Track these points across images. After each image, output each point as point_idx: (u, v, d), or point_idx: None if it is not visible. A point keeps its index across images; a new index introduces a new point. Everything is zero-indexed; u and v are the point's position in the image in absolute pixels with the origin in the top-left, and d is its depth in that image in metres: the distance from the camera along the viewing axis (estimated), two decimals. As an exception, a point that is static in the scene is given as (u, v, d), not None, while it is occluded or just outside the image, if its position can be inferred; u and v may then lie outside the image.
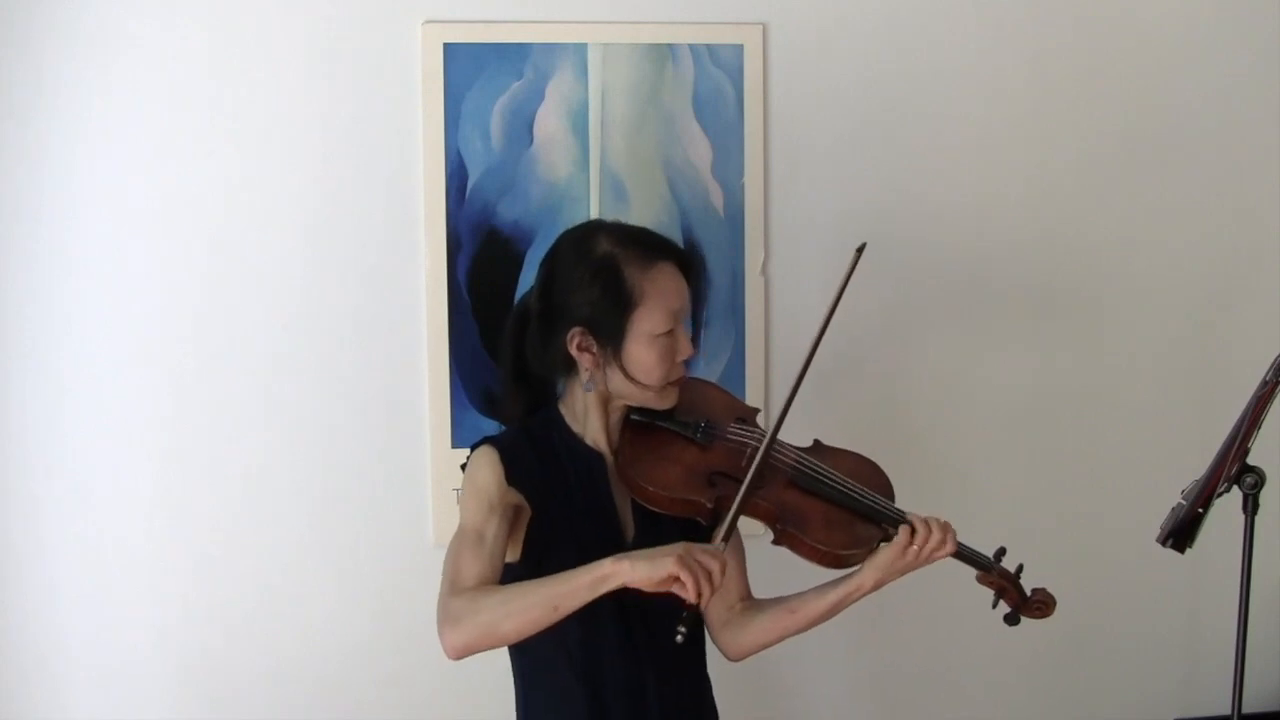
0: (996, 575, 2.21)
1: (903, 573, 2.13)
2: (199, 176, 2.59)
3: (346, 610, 2.70)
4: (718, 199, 2.73)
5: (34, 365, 2.58)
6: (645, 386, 2.10)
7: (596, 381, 2.11)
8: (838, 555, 2.12)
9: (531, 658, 2.17)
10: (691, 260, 2.17)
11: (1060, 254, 2.88)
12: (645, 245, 2.12)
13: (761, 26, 2.72)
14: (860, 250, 2.17)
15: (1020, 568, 2.23)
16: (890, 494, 2.22)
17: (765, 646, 2.24)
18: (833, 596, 2.15)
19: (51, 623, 2.62)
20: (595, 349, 2.09)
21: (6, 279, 2.56)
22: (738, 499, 2.04)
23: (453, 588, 2.00)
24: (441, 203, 2.64)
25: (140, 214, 2.59)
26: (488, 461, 2.10)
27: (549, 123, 2.67)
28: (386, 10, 2.61)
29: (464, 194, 2.65)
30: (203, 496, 2.64)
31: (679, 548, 1.91)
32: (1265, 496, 2.28)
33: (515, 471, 2.09)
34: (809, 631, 2.21)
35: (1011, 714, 2.95)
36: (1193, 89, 2.89)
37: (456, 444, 2.65)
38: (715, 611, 2.24)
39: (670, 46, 2.69)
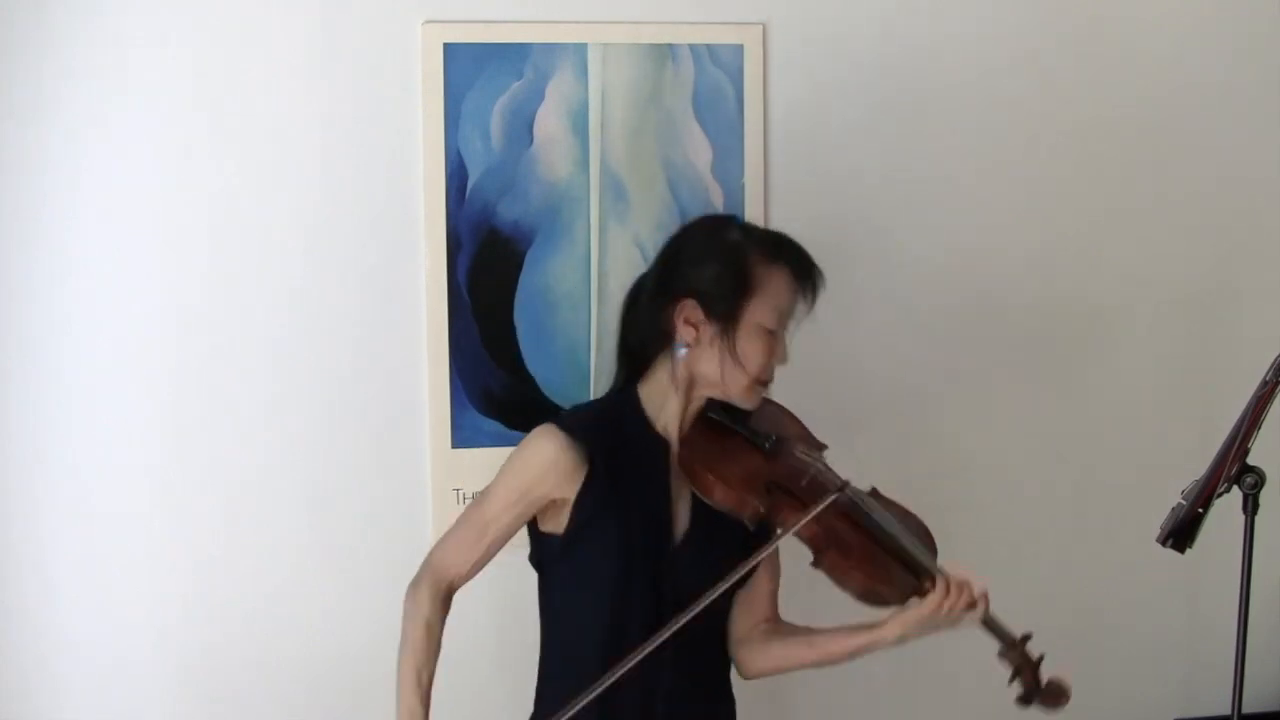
0: (1017, 655, 2.22)
1: (928, 631, 2.11)
2: (199, 177, 2.59)
3: (346, 610, 2.69)
4: (718, 199, 2.73)
5: (33, 365, 2.57)
6: (742, 374, 2.10)
7: (690, 351, 2.11)
8: (872, 588, 2.11)
9: (561, 625, 2.20)
10: (811, 270, 2.16)
11: (1061, 254, 2.88)
12: (773, 244, 2.16)
13: (761, 26, 2.72)
14: None
15: (1041, 657, 2.23)
16: (934, 552, 2.22)
17: (778, 672, 2.25)
18: (852, 643, 2.15)
19: (51, 623, 2.62)
20: (703, 323, 2.10)
21: (6, 278, 2.56)
22: (817, 509, 2.06)
23: (433, 571, 2.17)
24: (441, 203, 2.64)
25: (140, 214, 2.58)
26: (541, 447, 2.10)
27: (549, 123, 2.67)
28: (386, 10, 2.61)
29: (464, 194, 2.65)
30: (202, 497, 2.64)
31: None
32: (1265, 496, 2.28)
33: (591, 457, 2.08)
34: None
35: (1012, 713, 2.95)
36: (1193, 90, 2.89)
37: (456, 444, 2.65)
38: (741, 625, 2.24)
39: (670, 46, 2.69)
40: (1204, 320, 2.95)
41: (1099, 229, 2.88)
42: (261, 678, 2.68)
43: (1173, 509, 2.33)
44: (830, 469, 2.20)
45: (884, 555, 2.14)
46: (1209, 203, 2.92)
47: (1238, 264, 2.95)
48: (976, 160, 2.83)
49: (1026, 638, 2.22)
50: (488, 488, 2.14)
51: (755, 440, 2.18)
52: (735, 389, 2.12)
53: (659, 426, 2.15)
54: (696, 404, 2.17)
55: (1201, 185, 2.91)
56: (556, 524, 2.12)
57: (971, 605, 2.09)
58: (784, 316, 2.13)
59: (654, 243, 2.71)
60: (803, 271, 2.15)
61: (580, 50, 2.66)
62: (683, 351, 2.12)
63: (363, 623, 2.69)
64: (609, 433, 2.13)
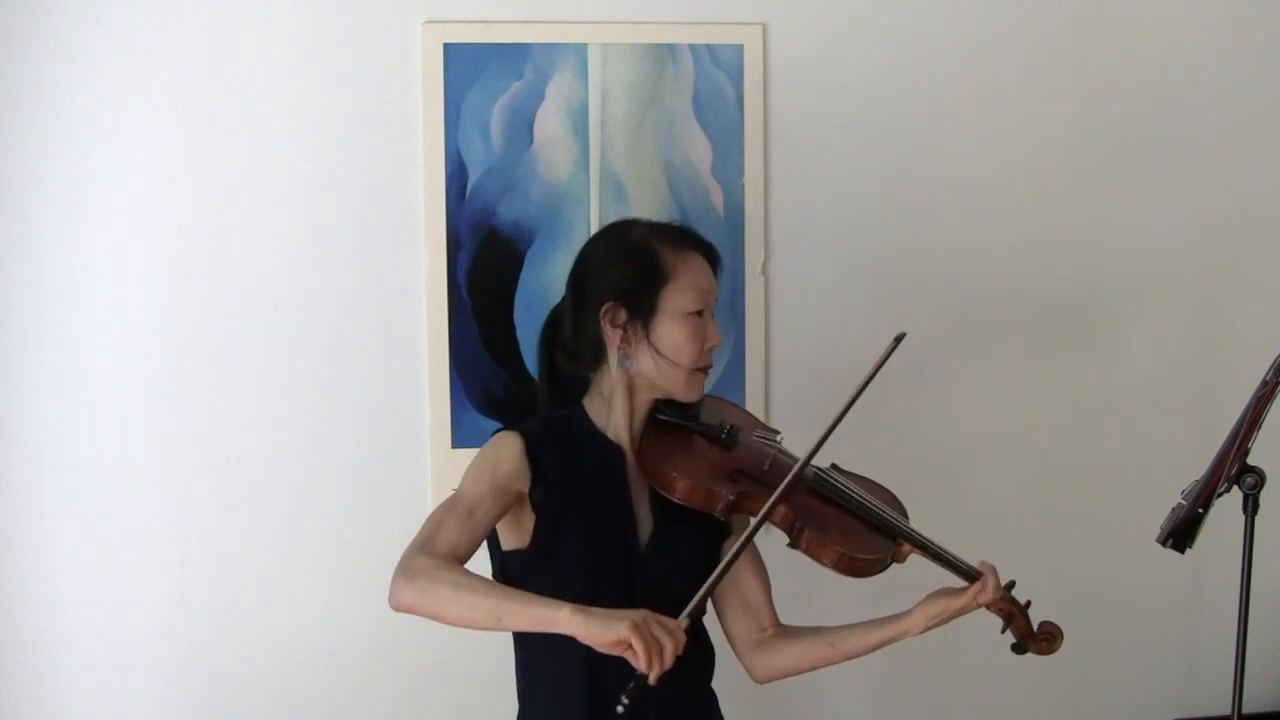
0: (1007, 603, 2.21)
1: (953, 619, 2.13)
2: (198, 177, 2.60)
3: (346, 611, 2.69)
4: (718, 199, 2.73)
5: (34, 362, 2.58)
6: (675, 366, 2.10)
7: (628, 358, 2.11)
8: (854, 559, 2.11)
9: (534, 650, 2.15)
10: (719, 257, 2.20)
11: (1060, 254, 2.88)
12: (677, 233, 2.18)
13: (761, 26, 2.72)
14: (899, 339, 2.16)
15: (1029, 602, 2.23)
16: (904, 514, 2.24)
17: (797, 673, 2.24)
18: (876, 637, 2.15)
19: (51, 623, 2.63)
20: (626, 323, 2.10)
21: (8, 274, 2.56)
22: (765, 509, 2.03)
23: (424, 545, 1.98)
24: (441, 203, 2.64)
25: (138, 214, 2.59)
26: (508, 444, 2.09)
27: (549, 123, 2.67)
28: (386, 10, 2.61)
29: (464, 194, 2.65)
30: (203, 498, 2.64)
31: (638, 615, 1.89)
32: (1265, 496, 2.28)
33: (537, 455, 2.08)
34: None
35: (1012, 713, 2.95)
36: (1192, 88, 2.89)
37: (456, 444, 2.65)
38: (745, 633, 2.24)
39: (670, 46, 2.69)
40: (1204, 320, 2.95)
41: (1099, 229, 2.88)
42: (260, 679, 2.68)
43: (1173, 509, 2.33)
44: (787, 451, 2.21)
45: (857, 524, 2.16)
46: (1209, 202, 2.92)
47: (1238, 264, 2.95)
48: (976, 159, 2.83)
49: (1011, 585, 2.21)
50: (458, 487, 2.07)
51: (710, 433, 2.19)
52: (673, 381, 2.13)
53: (610, 434, 2.16)
54: (642, 407, 2.17)
55: (1201, 184, 2.91)
56: (520, 538, 2.10)
57: (996, 592, 2.12)
58: (706, 296, 2.13)
59: (654, 243, 2.71)
60: (710, 254, 2.18)
61: (580, 50, 2.67)
62: (625, 363, 2.12)
63: (362, 623, 2.69)
64: (560, 439, 2.12)
